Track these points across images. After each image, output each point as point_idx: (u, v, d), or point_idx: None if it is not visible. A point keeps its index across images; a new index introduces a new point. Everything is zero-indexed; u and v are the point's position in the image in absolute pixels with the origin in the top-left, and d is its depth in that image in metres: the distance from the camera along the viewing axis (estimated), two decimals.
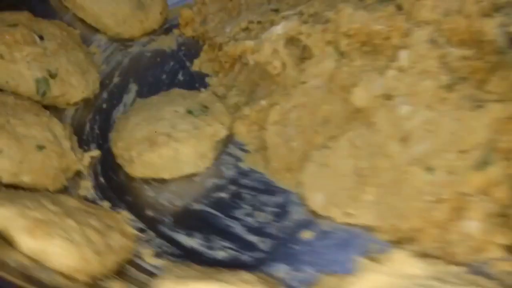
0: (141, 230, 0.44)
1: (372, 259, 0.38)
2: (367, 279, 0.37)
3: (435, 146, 0.44)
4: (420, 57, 0.46)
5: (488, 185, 0.43)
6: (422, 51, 0.46)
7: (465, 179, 0.43)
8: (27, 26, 0.51)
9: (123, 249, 0.40)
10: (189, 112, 0.49)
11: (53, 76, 0.50)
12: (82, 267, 0.36)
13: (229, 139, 0.50)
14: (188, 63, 0.58)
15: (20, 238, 0.35)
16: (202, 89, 0.54)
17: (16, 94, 0.48)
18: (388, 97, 0.46)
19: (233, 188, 0.48)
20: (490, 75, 0.45)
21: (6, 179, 0.42)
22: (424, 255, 0.40)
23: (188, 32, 0.61)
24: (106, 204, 0.46)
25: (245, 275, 0.38)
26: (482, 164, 0.43)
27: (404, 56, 0.46)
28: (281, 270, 0.42)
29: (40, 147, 0.44)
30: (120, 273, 0.40)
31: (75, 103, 0.53)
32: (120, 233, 0.40)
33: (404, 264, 0.37)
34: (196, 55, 0.58)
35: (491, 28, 0.45)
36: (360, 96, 0.46)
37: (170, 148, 0.46)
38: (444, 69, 0.45)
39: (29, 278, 0.34)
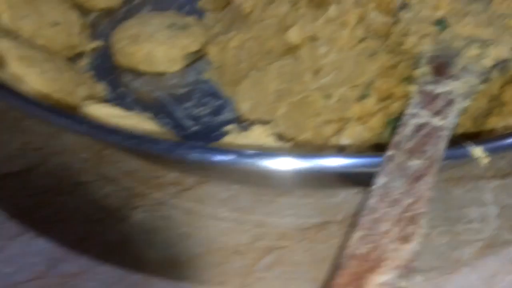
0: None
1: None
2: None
3: (335, 80, 0.57)
4: (344, 12, 0.59)
5: (365, 115, 0.56)
6: (347, 7, 0.59)
7: (349, 108, 0.56)
8: None
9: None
10: (172, 25, 0.64)
11: None
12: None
13: (200, 56, 0.65)
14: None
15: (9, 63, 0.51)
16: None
17: None
18: (314, 38, 0.59)
19: (189, 88, 0.63)
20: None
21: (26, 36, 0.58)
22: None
23: None
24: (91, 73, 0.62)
25: None
26: (362, 97, 0.56)
27: (333, 9, 0.59)
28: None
29: (56, 23, 0.61)
30: None
31: (100, 9, 0.69)
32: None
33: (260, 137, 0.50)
34: None
35: None
36: (294, 35, 0.60)
37: (147, 46, 0.62)
38: (360, 25, 0.58)
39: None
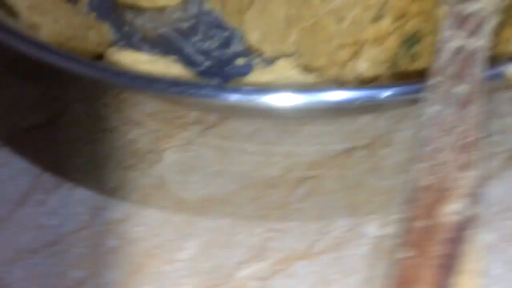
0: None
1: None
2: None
3: (347, 2, 0.57)
4: None
5: (381, 36, 0.56)
6: None
7: (364, 30, 0.56)
8: None
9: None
10: None
11: None
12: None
13: None
14: None
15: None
16: None
17: None
18: None
19: (193, 21, 0.61)
20: None
21: None
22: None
23: None
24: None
25: None
26: (377, 18, 0.56)
27: None
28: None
29: None
30: None
31: None
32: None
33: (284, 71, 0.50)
34: None
35: None
36: None
37: None
38: None
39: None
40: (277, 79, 0.50)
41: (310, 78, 0.53)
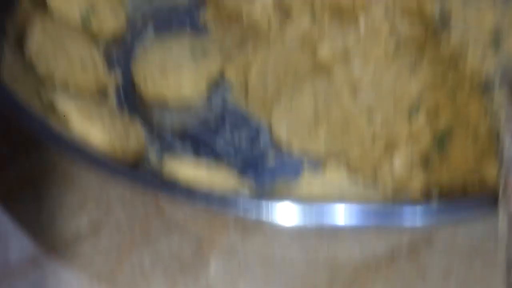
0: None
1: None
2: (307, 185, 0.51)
3: (377, 98, 0.58)
4: (375, 23, 0.59)
5: (414, 132, 0.57)
6: (378, 18, 0.59)
7: (397, 125, 0.57)
8: None
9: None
10: (193, 48, 0.62)
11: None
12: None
13: (221, 78, 0.63)
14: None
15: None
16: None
17: None
18: (346, 54, 0.59)
19: (218, 116, 0.61)
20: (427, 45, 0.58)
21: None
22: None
23: None
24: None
25: None
26: (410, 115, 0.57)
27: (362, 21, 0.60)
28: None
29: (84, 63, 0.58)
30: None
31: (108, 35, 0.64)
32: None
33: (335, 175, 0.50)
34: None
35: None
36: (324, 51, 0.60)
37: (175, 77, 0.60)
38: (393, 36, 0.59)
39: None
40: (329, 190, 0.50)
41: (360, 186, 0.53)
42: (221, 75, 0.63)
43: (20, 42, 0.57)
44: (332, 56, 0.59)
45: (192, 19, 0.68)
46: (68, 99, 0.51)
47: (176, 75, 0.60)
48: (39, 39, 0.57)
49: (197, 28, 0.67)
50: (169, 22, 0.68)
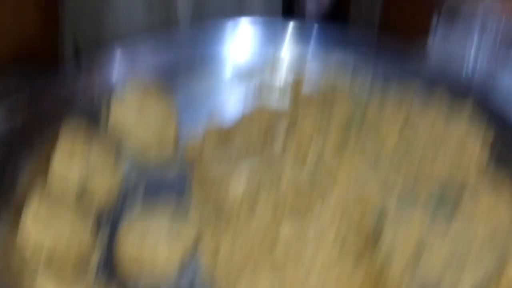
0: None
1: None
2: None
3: None
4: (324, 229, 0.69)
5: None
6: (326, 223, 0.69)
7: None
8: None
9: None
10: (171, 227, 0.72)
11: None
12: None
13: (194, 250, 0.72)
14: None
15: None
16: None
17: None
18: (297, 254, 0.69)
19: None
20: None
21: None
22: None
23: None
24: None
25: None
26: None
27: (312, 227, 0.69)
28: None
29: (73, 230, 0.68)
30: None
31: (100, 205, 0.74)
32: None
33: None
34: None
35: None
36: (280, 250, 0.69)
37: (151, 254, 0.69)
38: (337, 243, 0.68)
39: None
40: None
41: None
42: (195, 245, 0.72)
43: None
44: (285, 255, 0.69)
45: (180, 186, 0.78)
46: (48, 279, 0.60)
47: (151, 254, 0.70)
48: (34, 216, 0.67)
49: (183, 193, 0.76)
50: (159, 189, 0.78)
